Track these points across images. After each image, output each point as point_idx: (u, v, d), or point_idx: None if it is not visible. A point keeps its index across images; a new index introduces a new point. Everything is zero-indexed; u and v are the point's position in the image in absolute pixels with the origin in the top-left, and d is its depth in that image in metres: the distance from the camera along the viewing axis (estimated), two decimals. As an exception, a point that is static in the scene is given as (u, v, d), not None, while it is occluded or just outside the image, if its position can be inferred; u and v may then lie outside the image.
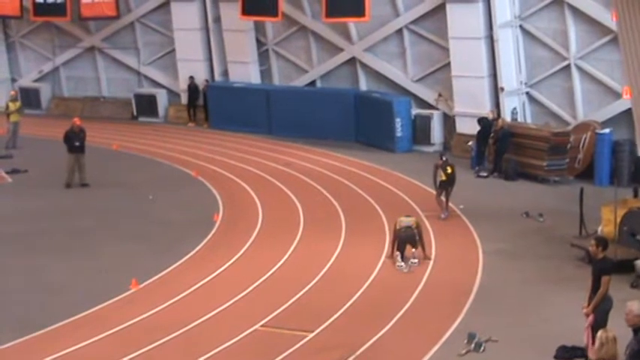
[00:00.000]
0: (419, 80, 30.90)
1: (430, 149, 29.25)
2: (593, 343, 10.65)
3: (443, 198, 21.72)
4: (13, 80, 39.70)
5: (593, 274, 12.86)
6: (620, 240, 17.73)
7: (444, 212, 21.56)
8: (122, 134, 33.33)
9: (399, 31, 30.89)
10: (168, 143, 31.57)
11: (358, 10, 29.46)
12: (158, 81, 37.07)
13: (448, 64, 29.34)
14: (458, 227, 20.87)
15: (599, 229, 18.76)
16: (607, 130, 25.32)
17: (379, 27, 31.05)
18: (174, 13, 35.35)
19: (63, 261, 18.47)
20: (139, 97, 36.78)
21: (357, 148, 30.24)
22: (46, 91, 39.05)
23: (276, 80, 34.52)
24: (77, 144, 25.26)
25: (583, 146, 25.69)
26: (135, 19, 36.93)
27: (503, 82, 28.04)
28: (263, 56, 34.54)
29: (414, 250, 18.11)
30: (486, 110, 27.88)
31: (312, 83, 33.67)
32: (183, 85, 35.56)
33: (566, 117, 27.40)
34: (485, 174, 26.34)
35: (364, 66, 32.10)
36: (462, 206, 22.24)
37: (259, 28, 34.24)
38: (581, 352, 12.88)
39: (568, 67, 27.22)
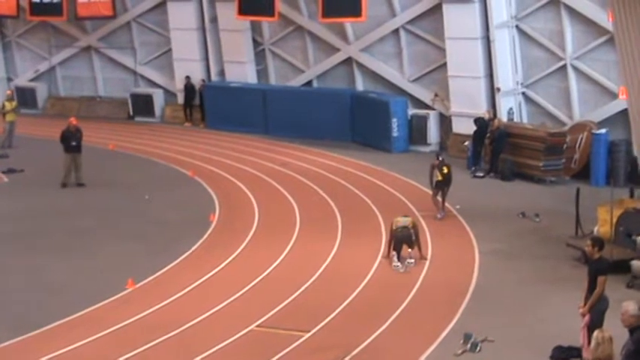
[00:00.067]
0: (415, 80, 30.91)
1: (426, 149, 29.26)
2: (589, 343, 10.65)
3: (439, 198, 21.73)
4: (9, 80, 39.64)
5: (589, 274, 12.88)
6: (616, 240, 17.73)
7: (440, 212, 21.56)
8: (118, 134, 33.31)
9: (396, 32, 30.90)
10: (164, 143, 31.55)
11: (355, 11, 29.43)
12: (154, 81, 37.05)
13: (444, 65, 29.35)
14: (454, 227, 20.87)
15: (595, 229, 18.76)
16: (603, 131, 25.33)
17: (375, 27, 31.05)
18: (171, 13, 35.34)
19: (59, 261, 18.46)
20: (136, 97, 36.75)
21: (353, 148, 30.24)
22: (42, 91, 39.02)
23: (273, 80, 34.51)
24: (74, 144, 25.25)
25: (579, 146, 25.70)
26: (131, 18, 36.91)
27: (499, 83, 28.05)
28: (259, 56, 34.54)
29: (410, 250, 18.12)
30: (483, 110, 27.89)
31: (309, 83, 33.66)
32: (179, 85, 35.54)
33: (563, 117, 27.41)
34: (481, 174, 26.34)
35: (360, 66, 32.10)
36: (458, 206, 22.24)
37: (256, 28, 34.23)
38: (577, 352, 12.89)
39: (564, 67, 27.23)
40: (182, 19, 35.00)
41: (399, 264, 17.76)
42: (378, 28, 31.07)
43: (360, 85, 32.25)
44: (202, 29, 35.01)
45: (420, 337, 14.29)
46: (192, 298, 16.24)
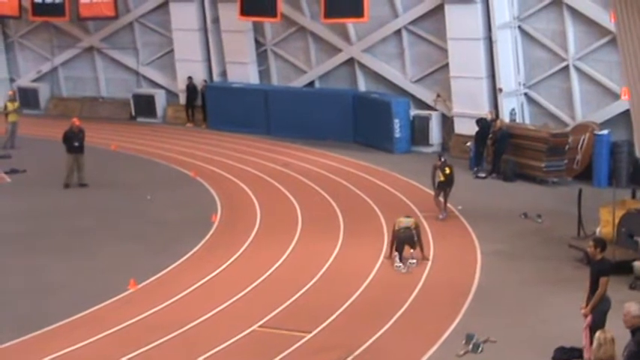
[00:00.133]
0: (417, 81, 30.91)
1: (428, 150, 29.26)
2: (591, 344, 10.64)
3: (441, 199, 21.72)
4: (12, 80, 39.71)
5: (591, 275, 12.87)
6: (619, 241, 17.73)
7: (442, 213, 21.56)
8: (120, 134, 33.33)
9: (398, 32, 30.90)
10: (166, 143, 31.57)
11: (357, 11, 29.46)
12: (156, 81, 37.08)
13: (447, 65, 29.35)
14: (456, 228, 20.87)
15: (598, 230, 18.75)
16: (605, 132, 25.31)
17: (378, 28, 31.06)
18: (173, 14, 35.36)
19: (61, 261, 18.46)
20: (138, 98, 36.77)
21: (355, 148, 30.24)
22: (44, 91, 39.06)
23: (275, 81, 34.52)
24: (76, 144, 25.27)
25: (581, 147, 25.69)
26: (134, 19, 36.94)
27: (501, 83, 28.05)
28: (261, 57, 34.55)
29: (412, 250, 18.12)
30: (485, 111, 27.89)
31: (311, 84, 33.67)
32: (181, 86, 35.56)
33: (565, 118, 27.40)
34: (483, 175, 26.33)
35: (363, 66, 32.11)
36: (460, 207, 22.24)
37: (258, 29, 34.24)
38: (579, 352, 12.87)
39: (566, 68, 27.22)
40: (184, 19, 35.02)
41: (401, 264, 17.76)
42: (381, 28, 31.08)
43: (362, 85, 32.25)
44: (204, 30, 35.03)
45: (422, 337, 14.29)
46: (195, 298, 16.23)
